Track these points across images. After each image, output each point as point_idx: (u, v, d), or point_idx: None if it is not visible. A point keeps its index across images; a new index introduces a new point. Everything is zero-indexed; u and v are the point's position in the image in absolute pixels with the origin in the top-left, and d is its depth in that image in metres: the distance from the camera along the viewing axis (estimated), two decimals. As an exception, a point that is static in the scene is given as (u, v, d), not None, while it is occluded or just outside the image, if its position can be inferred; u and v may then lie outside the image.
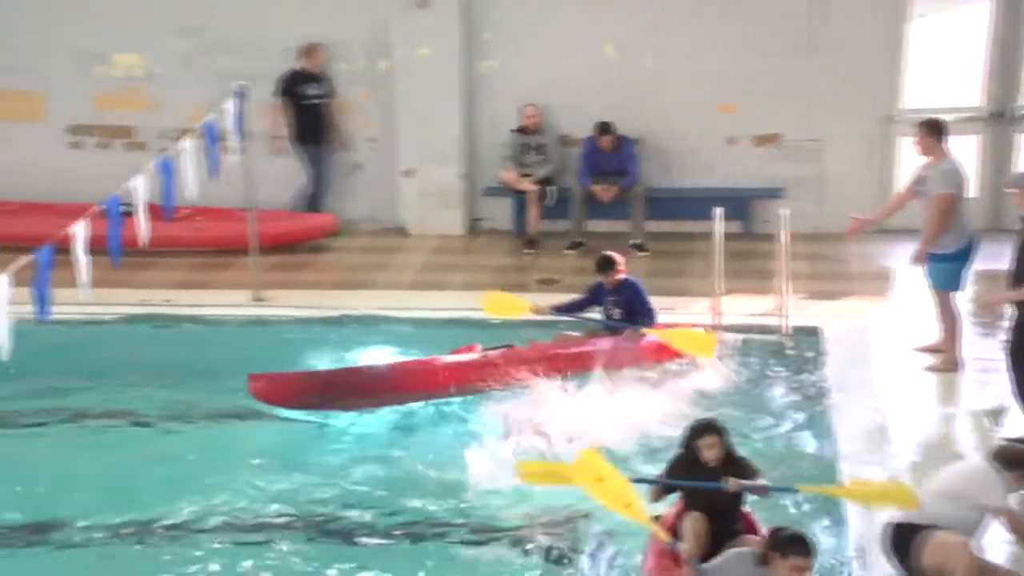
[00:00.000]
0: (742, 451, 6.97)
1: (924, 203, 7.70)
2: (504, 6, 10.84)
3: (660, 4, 10.75)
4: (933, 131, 7.65)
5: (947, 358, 7.80)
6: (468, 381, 7.74)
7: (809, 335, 8.59)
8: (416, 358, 7.89)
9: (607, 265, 8.14)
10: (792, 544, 4.92)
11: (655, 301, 9.07)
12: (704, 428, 5.59)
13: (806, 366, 8.22)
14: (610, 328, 8.18)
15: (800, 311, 8.88)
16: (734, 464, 5.56)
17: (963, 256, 7.68)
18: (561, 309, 8.28)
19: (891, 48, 10.64)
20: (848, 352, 8.30)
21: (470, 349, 8.03)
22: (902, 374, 7.91)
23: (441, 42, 10.77)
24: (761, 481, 5.54)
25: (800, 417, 7.52)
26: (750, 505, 5.68)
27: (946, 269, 7.69)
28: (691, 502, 5.52)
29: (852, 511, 6.14)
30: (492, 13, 10.86)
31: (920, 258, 7.70)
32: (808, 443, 7.21)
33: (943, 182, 7.56)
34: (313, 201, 10.92)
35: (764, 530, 5.47)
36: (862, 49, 10.58)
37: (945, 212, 7.53)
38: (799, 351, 8.42)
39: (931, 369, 7.81)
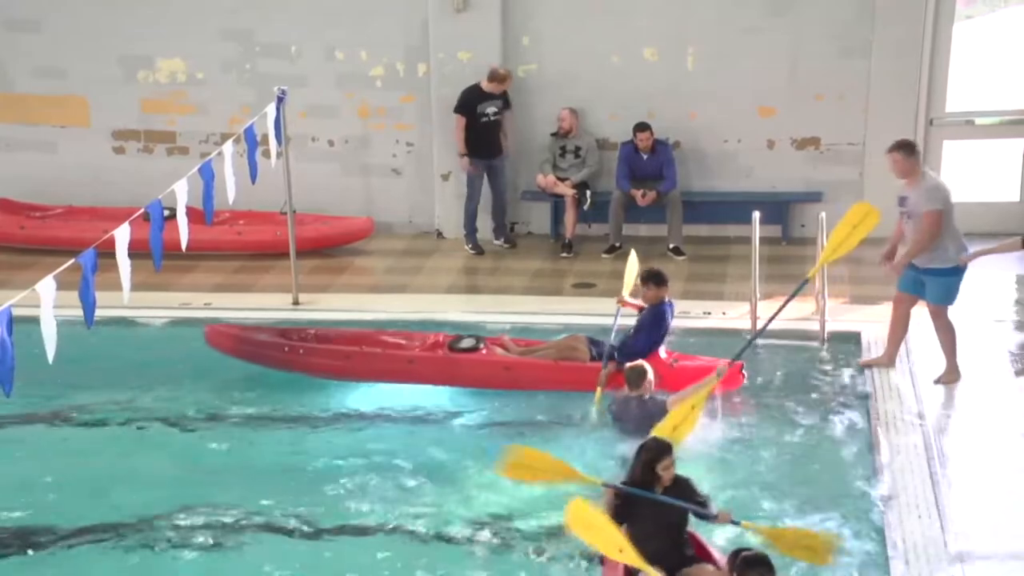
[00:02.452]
0: (780, 459, 7.03)
1: (912, 224, 7.64)
2: (543, 10, 10.84)
3: (699, 7, 10.71)
4: (908, 152, 7.60)
5: (949, 368, 7.77)
6: (401, 375, 7.93)
7: (848, 340, 8.52)
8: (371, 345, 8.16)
9: (651, 278, 7.91)
10: (751, 565, 4.84)
11: (692, 305, 9.08)
12: (665, 449, 5.51)
13: (844, 371, 8.14)
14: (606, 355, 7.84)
15: (839, 316, 8.81)
16: (679, 483, 5.53)
17: (961, 270, 7.66)
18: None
19: (935, 50, 10.51)
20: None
21: (435, 337, 8.17)
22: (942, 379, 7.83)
23: (480, 46, 10.80)
24: (712, 506, 5.55)
25: (838, 423, 7.46)
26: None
27: (948, 283, 7.65)
28: (641, 525, 5.40)
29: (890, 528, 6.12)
30: (531, 17, 10.86)
31: (897, 269, 7.72)
32: (847, 450, 7.16)
33: (927, 199, 7.51)
34: (472, 216, 10.78)
35: (716, 552, 5.46)
36: (906, 51, 10.45)
37: (934, 229, 7.49)
38: (837, 356, 8.34)
39: (938, 382, 7.77)
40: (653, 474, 5.44)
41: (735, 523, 5.54)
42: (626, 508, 5.44)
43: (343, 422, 7.69)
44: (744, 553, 4.97)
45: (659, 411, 7.21)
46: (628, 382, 7.37)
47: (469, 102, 10.55)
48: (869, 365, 8.02)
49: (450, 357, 8.04)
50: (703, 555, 5.50)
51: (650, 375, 7.32)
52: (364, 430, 7.59)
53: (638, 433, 7.08)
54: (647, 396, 7.33)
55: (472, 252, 10.77)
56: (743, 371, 7.81)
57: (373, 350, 8.14)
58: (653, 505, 5.42)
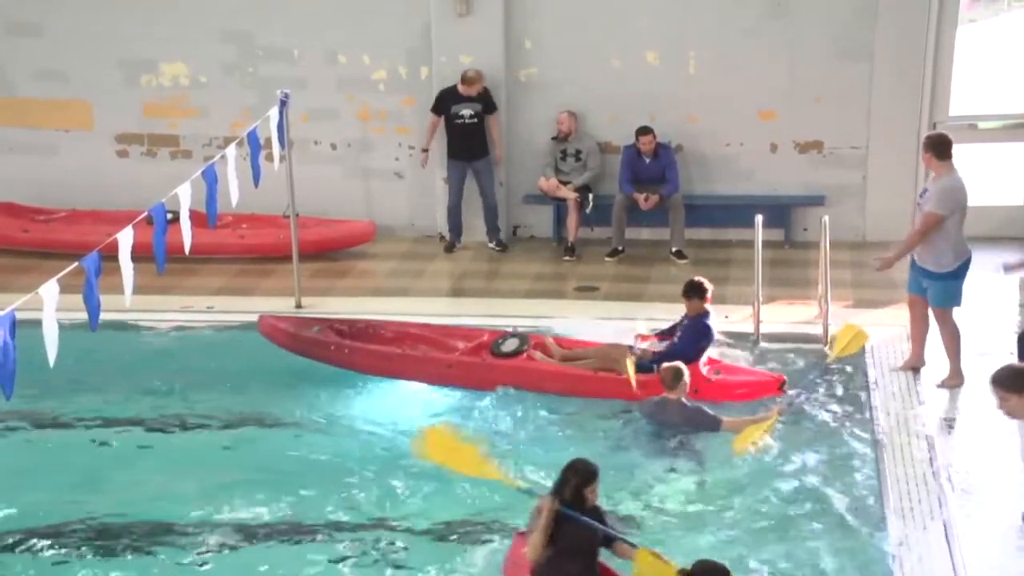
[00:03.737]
0: (782, 461, 7.03)
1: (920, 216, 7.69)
2: (545, 14, 10.84)
3: (701, 11, 10.71)
4: (925, 147, 7.60)
5: (952, 372, 7.76)
6: (440, 379, 7.99)
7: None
8: (415, 346, 8.32)
9: (689, 290, 7.88)
10: (718, 573, 4.81)
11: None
12: (595, 473, 5.49)
13: (847, 374, 8.13)
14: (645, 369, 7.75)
15: (842, 320, 8.79)
16: (596, 509, 5.55)
17: (962, 273, 7.65)
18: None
19: (938, 54, 10.49)
20: (891, 361, 8.21)
21: (479, 335, 8.22)
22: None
23: (482, 50, 10.80)
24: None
25: (840, 426, 7.45)
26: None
27: (948, 287, 7.64)
28: (564, 546, 5.36)
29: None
30: (533, 21, 10.87)
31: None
32: (849, 453, 7.15)
33: (936, 199, 7.49)
34: (450, 213, 10.86)
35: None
36: (908, 55, 10.45)
37: (925, 229, 7.49)
38: (840, 359, 8.32)
39: (941, 385, 7.76)
40: (581, 496, 5.43)
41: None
42: (555, 528, 5.38)
43: (357, 424, 7.69)
44: (703, 565, 4.92)
45: (702, 419, 7.19)
46: (663, 383, 7.32)
47: (442, 102, 10.66)
48: (904, 369, 7.98)
49: (491, 363, 8.04)
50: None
51: (686, 377, 7.30)
52: (379, 431, 7.57)
53: (679, 436, 7.12)
54: (688, 402, 7.28)
55: (444, 246, 10.91)
56: (783, 387, 7.75)
57: (415, 353, 8.23)
58: (579, 530, 5.39)
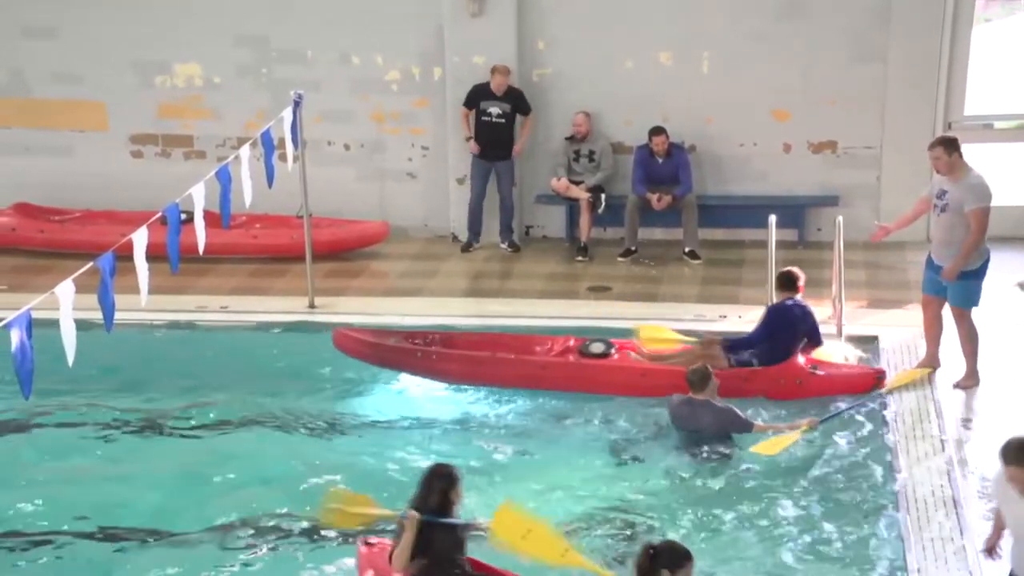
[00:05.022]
0: (795, 463, 7.02)
1: (944, 218, 7.53)
2: (558, 15, 10.84)
3: (715, 12, 10.69)
4: (952, 148, 7.49)
5: (968, 373, 7.71)
6: (532, 381, 7.92)
7: (865, 344, 8.48)
8: (491, 348, 8.22)
9: (776, 279, 7.87)
10: (680, 555, 4.80)
11: (708, 309, 9.08)
12: (459, 476, 5.50)
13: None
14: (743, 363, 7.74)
15: (856, 320, 8.78)
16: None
17: (982, 273, 7.60)
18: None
19: (953, 53, 10.45)
20: (905, 361, 8.19)
21: (565, 341, 8.20)
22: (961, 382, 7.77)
23: (495, 50, 10.80)
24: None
25: (855, 427, 7.43)
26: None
27: (968, 287, 7.59)
28: (436, 553, 5.38)
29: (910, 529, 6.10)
30: (546, 22, 10.87)
31: (953, 274, 7.52)
32: (863, 454, 7.13)
33: (973, 197, 7.41)
34: (472, 212, 10.84)
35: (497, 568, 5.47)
36: (923, 54, 10.40)
37: (984, 226, 7.41)
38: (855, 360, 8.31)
39: (957, 386, 7.72)
40: (448, 501, 5.44)
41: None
42: (424, 538, 5.38)
43: (385, 427, 7.72)
44: (663, 546, 4.86)
45: (734, 421, 7.14)
46: (690, 384, 7.23)
47: (472, 97, 10.67)
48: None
49: (584, 363, 7.99)
50: (484, 568, 5.53)
51: (714, 378, 7.23)
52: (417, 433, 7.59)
53: (710, 439, 7.08)
54: (718, 403, 7.20)
55: (461, 246, 10.91)
56: (879, 379, 7.76)
57: (506, 356, 8.14)
58: (448, 534, 5.41)
